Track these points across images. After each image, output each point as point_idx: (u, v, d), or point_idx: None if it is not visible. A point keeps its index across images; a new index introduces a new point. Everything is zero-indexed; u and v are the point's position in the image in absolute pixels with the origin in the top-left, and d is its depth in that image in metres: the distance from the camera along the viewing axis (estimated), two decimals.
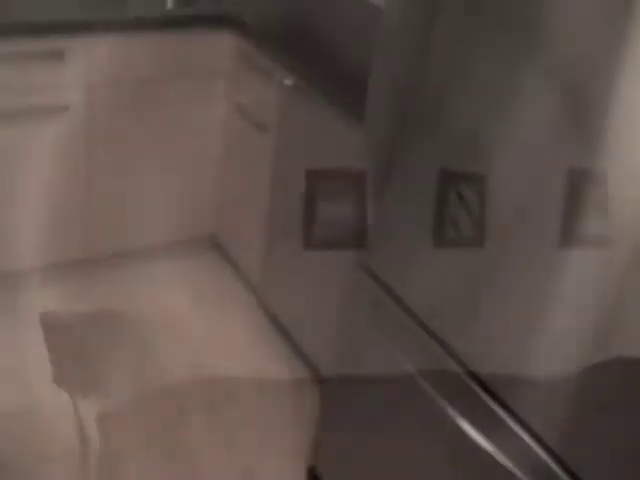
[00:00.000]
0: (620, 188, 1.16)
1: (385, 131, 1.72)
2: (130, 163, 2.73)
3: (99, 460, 2.14)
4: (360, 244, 1.87)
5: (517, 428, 1.42)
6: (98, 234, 2.79)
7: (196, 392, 2.46)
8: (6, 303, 2.70)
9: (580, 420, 1.28)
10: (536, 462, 1.39)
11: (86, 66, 2.45)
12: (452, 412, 1.58)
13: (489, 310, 1.47)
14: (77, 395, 2.37)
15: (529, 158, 1.34)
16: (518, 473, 1.42)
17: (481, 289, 1.48)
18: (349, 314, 1.93)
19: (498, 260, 1.44)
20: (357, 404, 1.90)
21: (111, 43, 2.47)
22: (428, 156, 1.59)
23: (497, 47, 1.39)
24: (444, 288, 1.59)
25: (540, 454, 1.38)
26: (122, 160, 2.70)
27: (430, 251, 1.61)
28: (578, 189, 1.24)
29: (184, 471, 2.17)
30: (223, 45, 2.70)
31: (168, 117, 2.72)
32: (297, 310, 2.54)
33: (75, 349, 2.54)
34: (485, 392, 1.50)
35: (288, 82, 2.34)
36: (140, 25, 2.49)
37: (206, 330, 2.73)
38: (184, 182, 2.89)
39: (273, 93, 2.47)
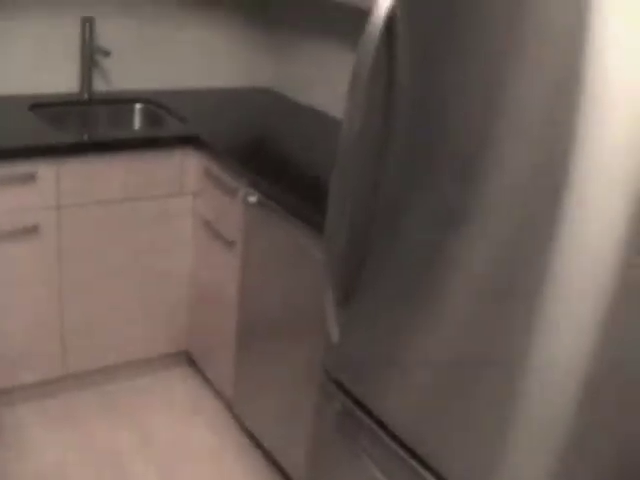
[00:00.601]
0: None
1: (344, 244, 1.77)
2: (102, 281, 2.75)
3: None
4: (329, 358, 1.88)
5: None
6: (72, 353, 2.79)
7: None
8: None
9: None
10: None
11: (57, 188, 2.51)
12: None
13: (462, 422, 1.49)
14: None
15: (488, 285, 1.40)
16: None
17: (454, 401, 1.51)
18: (318, 426, 1.94)
19: (471, 373, 1.47)
20: None
21: (81, 165, 2.54)
22: (389, 269, 1.64)
23: (449, 160, 1.46)
24: (414, 400, 1.60)
25: None
26: (94, 279, 2.73)
27: (399, 363, 1.64)
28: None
29: None
30: (189, 164, 2.78)
31: (138, 235, 2.77)
32: (271, 424, 2.54)
33: None
34: None
35: (252, 198, 2.41)
36: (109, 147, 2.57)
37: (179, 446, 2.71)
38: (155, 299, 2.92)
39: (238, 209, 2.54)
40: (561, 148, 1.22)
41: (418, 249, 1.54)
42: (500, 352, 1.37)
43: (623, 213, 1.14)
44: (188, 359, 3.21)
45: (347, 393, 1.82)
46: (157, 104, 3.11)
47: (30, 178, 2.44)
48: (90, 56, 3.03)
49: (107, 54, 3.02)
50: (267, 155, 2.62)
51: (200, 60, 3.43)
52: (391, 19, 1.55)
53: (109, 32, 3.11)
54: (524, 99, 1.29)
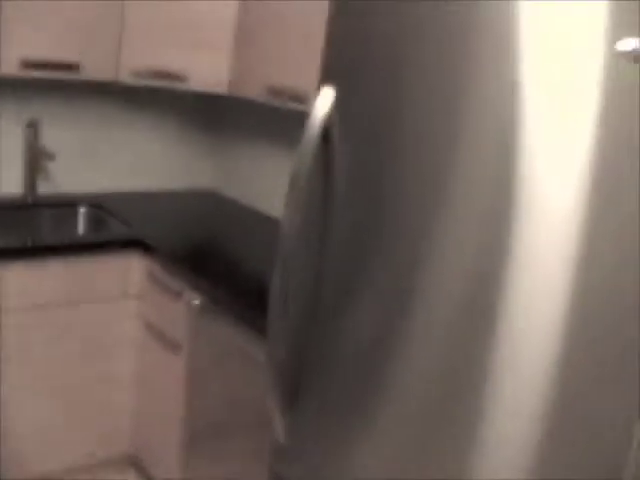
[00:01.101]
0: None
1: (287, 346, 1.76)
2: (43, 385, 2.68)
3: None
4: (276, 457, 1.85)
5: None
6: (8, 460, 2.68)
7: None
8: None
9: None
10: None
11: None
12: None
13: None
14: None
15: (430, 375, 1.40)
16: None
17: None
18: None
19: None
20: None
21: (24, 269, 2.50)
22: (333, 370, 1.62)
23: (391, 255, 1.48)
24: None
25: None
26: (34, 383, 2.65)
27: (348, 461, 1.61)
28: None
29: None
30: (133, 267, 2.76)
31: (81, 339, 2.71)
32: None
33: None
34: None
35: (196, 302, 2.40)
36: (52, 251, 2.55)
37: None
38: (98, 403, 2.84)
39: (183, 313, 2.52)
40: (494, 255, 1.25)
41: (361, 348, 1.53)
42: (452, 457, 1.36)
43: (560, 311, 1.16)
44: (133, 463, 3.11)
45: None
46: (101, 207, 3.11)
47: None
48: (34, 159, 3.03)
49: (51, 157, 3.02)
50: (211, 257, 2.62)
51: (143, 162, 3.45)
52: (328, 124, 1.59)
53: (53, 135, 3.13)
54: (458, 213, 1.32)
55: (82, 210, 3.13)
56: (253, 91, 2.70)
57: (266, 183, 3.29)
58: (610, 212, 1.12)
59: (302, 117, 2.84)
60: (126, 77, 2.89)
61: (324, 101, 1.57)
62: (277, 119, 3.21)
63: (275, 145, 3.23)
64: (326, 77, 1.60)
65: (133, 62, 2.88)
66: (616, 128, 1.11)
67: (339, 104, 1.57)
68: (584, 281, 1.16)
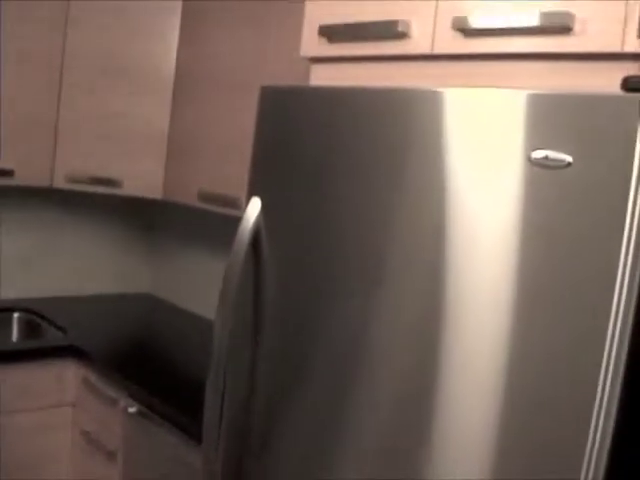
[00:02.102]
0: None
1: (222, 452, 1.75)
2: None
3: None
4: None
5: None
6: None
7: None
8: None
9: None
10: None
11: None
12: None
13: None
14: None
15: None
16: None
17: None
18: None
19: None
20: None
21: None
22: (269, 475, 1.61)
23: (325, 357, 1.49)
24: None
25: None
26: None
27: None
28: None
29: None
30: (68, 374, 2.71)
31: (14, 449, 2.64)
32: None
33: None
34: None
35: (132, 409, 2.36)
36: None
37: None
38: None
39: (119, 420, 2.47)
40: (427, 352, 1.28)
41: (296, 448, 1.53)
42: None
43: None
44: None
45: None
46: (36, 313, 3.07)
47: None
48: None
49: None
50: (147, 363, 2.60)
51: (80, 267, 3.44)
52: (257, 230, 1.63)
53: None
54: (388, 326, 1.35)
55: (16, 316, 3.08)
56: (187, 196, 2.74)
57: (201, 285, 3.30)
58: (538, 302, 1.17)
59: (235, 221, 2.89)
60: (61, 183, 2.91)
61: (252, 210, 1.62)
62: (211, 223, 3.25)
63: (209, 248, 3.26)
64: (254, 187, 1.65)
65: (68, 168, 2.90)
66: (533, 224, 1.18)
67: (266, 212, 1.61)
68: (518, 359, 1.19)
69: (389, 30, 1.57)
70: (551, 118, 1.17)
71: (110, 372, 2.50)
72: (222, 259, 3.18)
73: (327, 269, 1.47)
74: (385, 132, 1.37)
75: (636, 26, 1.30)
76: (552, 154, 1.16)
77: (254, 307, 1.65)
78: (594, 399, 1.11)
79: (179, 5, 2.85)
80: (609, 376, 1.11)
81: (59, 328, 2.90)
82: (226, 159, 2.60)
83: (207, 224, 3.28)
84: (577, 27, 1.34)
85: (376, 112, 1.39)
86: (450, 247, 1.27)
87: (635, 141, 1.09)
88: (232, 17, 2.61)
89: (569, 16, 1.34)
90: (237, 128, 2.55)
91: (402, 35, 1.57)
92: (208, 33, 2.70)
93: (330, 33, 1.70)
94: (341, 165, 1.45)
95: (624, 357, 1.10)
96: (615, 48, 1.31)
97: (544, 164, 1.17)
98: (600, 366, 1.11)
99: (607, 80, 1.33)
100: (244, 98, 2.53)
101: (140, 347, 2.78)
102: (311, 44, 1.77)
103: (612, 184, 1.10)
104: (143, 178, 2.91)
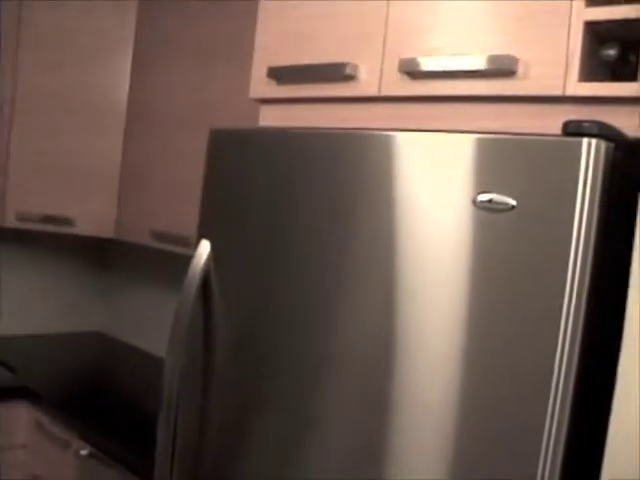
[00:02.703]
0: None
1: None
2: None
3: None
4: None
5: None
6: None
7: None
8: None
9: None
10: None
11: None
12: None
13: None
14: None
15: None
16: None
17: None
18: None
19: None
20: None
21: None
22: None
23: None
24: None
25: None
26: None
27: None
28: None
29: None
30: (19, 416, 2.65)
31: None
32: None
33: None
34: None
35: (84, 452, 2.32)
36: None
37: None
38: None
39: (70, 463, 2.43)
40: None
41: None
42: None
43: None
44: None
45: None
46: None
47: None
48: None
49: None
50: (99, 403, 2.56)
51: (30, 305, 3.39)
52: (206, 271, 1.63)
53: None
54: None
55: None
56: (139, 235, 2.72)
57: (152, 323, 3.27)
58: (485, 339, 1.18)
59: (187, 260, 2.88)
60: (12, 221, 2.87)
61: (201, 252, 1.62)
62: (164, 260, 3.23)
63: (162, 285, 3.24)
64: (203, 228, 1.65)
65: (18, 206, 2.87)
66: (479, 267, 1.19)
67: (216, 253, 1.61)
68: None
69: (337, 72, 1.59)
70: (496, 162, 1.19)
71: (61, 413, 2.46)
72: (175, 296, 3.15)
73: (277, 308, 1.47)
74: (334, 174, 1.38)
75: (577, 70, 1.33)
76: (497, 197, 1.18)
77: (205, 345, 1.64)
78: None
79: (131, 41, 2.85)
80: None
81: (9, 368, 2.85)
82: (178, 197, 2.60)
83: (159, 261, 3.26)
84: (520, 70, 1.37)
85: (325, 154, 1.40)
86: (399, 291, 1.28)
87: (577, 184, 1.11)
88: (183, 54, 2.61)
89: (513, 60, 1.36)
90: (189, 166, 2.54)
91: (350, 77, 1.58)
92: (159, 70, 2.70)
93: (279, 75, 1.71)
94: (291, 207, 1.46)
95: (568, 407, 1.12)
96: (557, 91, 1.33)
97: (489, 207, 1.19)
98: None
99: (551, 122, 1.35)
100: (195, 135, 2.53)
101: (92, 387, 2.74)
102: (260, 85, 1.78)
103: (555, 227, 1.12)
104: (95, 216, 2.89)
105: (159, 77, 2.72)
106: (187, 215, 2.52)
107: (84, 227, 2.89)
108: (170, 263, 3.20)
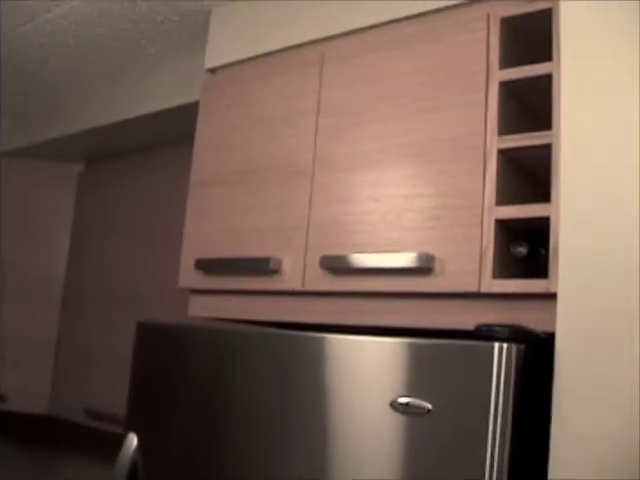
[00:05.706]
0: None
1: None
2: None
3: None
4: None
5: None
6: None
7: None
8: None
9: None
10: None
11: None
12: None
13: None
14: None
15: None
16: None
17: None
18: None
19: None
20: None
21: None
22: None
23: None
24: None
25: None
26: None
27: None
28: None
29: None
30: None
31: None
32: None
33: None
34: None
35: None
36: None
37: None
38: None
39: None
40: None
41: None
42: None
43: None
44: None
45: None
46: None
47: None
48: None
49: None
50: None
51: None
52: (134, 463, 1.58)
53: None
54: None
55: None
56: (72, 413, 2.65)
57: None
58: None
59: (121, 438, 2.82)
60: None
61: (128, 446, 1.58)
62: (97, 437, 3.13)
63: (97, 462, 3.12)
64: (131, 422, 1.62)
65: None
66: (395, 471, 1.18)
67: (144, 446, 1.57)
68: None
69: (261, 267, 1.62)
70: (413, 366, 1.21)
71: None
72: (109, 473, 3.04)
73: None
74: (263, 372, 1.38)
75: (490, 267, 1.37)
76: (413, 401, 1.19)
77: None
78: None
79: (70, 218, 2.90)
80: None
81: None
82: (113, 376, 2.55)
83: (93, 438, 3.15)
84: (437, 267, 1.41)
85: (254, 353, 1.40)
86: None
87: (490, 387, 1.13)
88: (119, 233, 2.65)
89: (430, 258, 1.40)
90: (123, 345, 2.51)
91: (274, 272, 1.61)
92: (96, 247, 2.73)
93: (206, 267, 1.74)
94: (219, 401, 1.44)
95: None
96: (472, 288, 1.37)
97: (406, 411, 1.19)
98: None
99: (467, 318, 1.38)
100: (129, 315, 2.51)
101: None
102: (189, 275, 1.80)
103: (469, 431, 1.13)
104: (28, 394, 2.82)
105: (95, 254, 2.74)
106: (122, 394, 2.47)
107: (17, 404, 2.81)
108: (104, 439, 3.10)
